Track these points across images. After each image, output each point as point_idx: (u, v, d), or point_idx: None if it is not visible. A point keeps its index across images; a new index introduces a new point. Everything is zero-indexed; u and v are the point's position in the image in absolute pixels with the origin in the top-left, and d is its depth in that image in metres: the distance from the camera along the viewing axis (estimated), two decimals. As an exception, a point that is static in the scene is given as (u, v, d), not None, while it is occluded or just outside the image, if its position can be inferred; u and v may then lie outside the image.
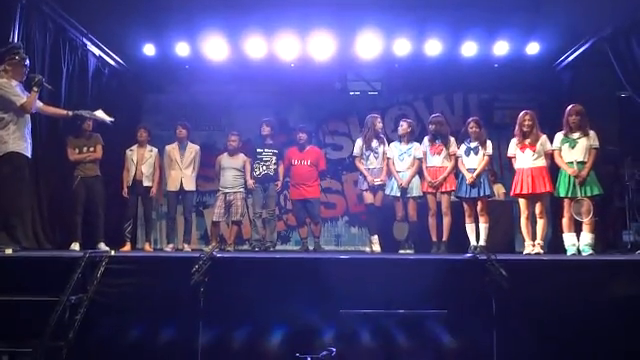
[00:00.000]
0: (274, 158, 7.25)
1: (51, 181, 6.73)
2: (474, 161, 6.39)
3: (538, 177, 5.94)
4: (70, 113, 5.71)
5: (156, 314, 4.05)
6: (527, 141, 6.07)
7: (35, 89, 5.22)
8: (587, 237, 5.72)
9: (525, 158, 6.05)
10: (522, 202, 6.09)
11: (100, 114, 6.03)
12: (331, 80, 9.54)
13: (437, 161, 6.60)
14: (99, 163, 6.75)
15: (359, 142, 6.96)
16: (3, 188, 5.01)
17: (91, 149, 6.66)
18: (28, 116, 5.24)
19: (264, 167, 7.22)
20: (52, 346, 3.67)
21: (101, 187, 6.73)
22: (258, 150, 7.29)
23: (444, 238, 6.51)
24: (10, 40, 5.90)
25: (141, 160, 7.07)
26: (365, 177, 6.76)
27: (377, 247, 6.68)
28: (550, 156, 6.06)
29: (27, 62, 5.33)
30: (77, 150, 6.61)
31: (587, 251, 5.67)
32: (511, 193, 6.26)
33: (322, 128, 9.46)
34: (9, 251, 4.71)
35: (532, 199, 6.04)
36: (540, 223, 6.02)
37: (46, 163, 6.60)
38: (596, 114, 6.28)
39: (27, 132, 5.22)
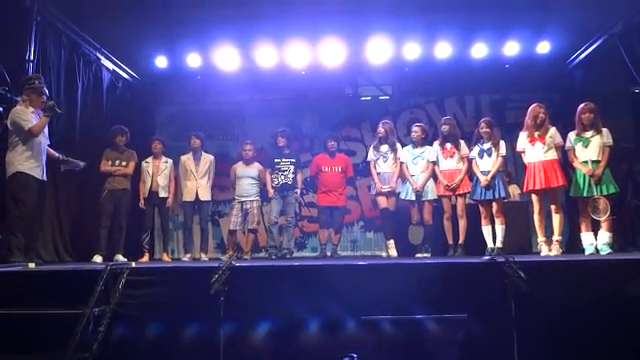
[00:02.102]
0: (292, 167, 7.32)
1: (69, 195, 6.83)
2: (488, 163, 6.37)
3: (550, 171, 5.85)
4: (61, 157, 5.85)
5: (177, 324, 4.09)
6: (537, 134, 5.98)
7: (46, 114, 5.38)
8: (605, 236, 5.68)
9: (535, 152, 5.97)
10: (535, 197, 6.02)
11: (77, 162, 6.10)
12: (342, 86, 9.60)
13: (451, 164, 6.61)
14: (130, 178, 6.88)
15: (372, 147, 7.04)
16: (13, 205, 5.17)
17: (123, 163, 6.81)
18: (41, 140, 5.39)
19: (282, 176, 7.28)
20: (77, 358, 3.72)
21: (128, 200, 6.85)
22: (276, 160, 7.37)
23: (460, 241, 6.51)
24: (26, 56, 6.04)
25: (156, 172, 7.15)
26: (375, 183, 6.87)
27: (393, 252, 6.70)
28: (562, 149, 6.00)
29: (44, 90, 5.47)
30: (110, 162, 6.75)
31: (605, 250, 5.63)
32: (524, 189, 6.20)
33: (328, 135, 9.48)
34: (32, 265, 4.81)
35: (546, 194, 5.98)
36: (556, 218, 5.93)
37: (64, 178, 6.70)
38: (609, 111, 6.24)
39: (37, 154, 5.36)
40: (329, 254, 7.30)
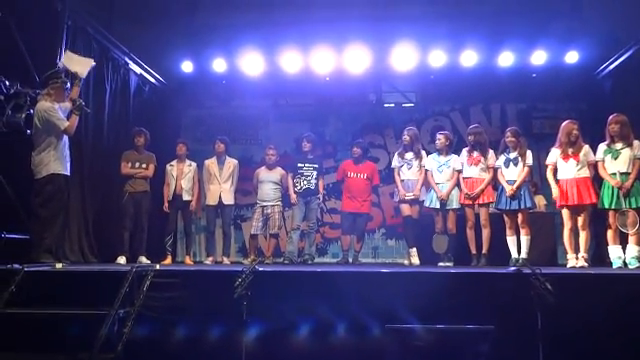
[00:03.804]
0: (315, 173, 7.30)
1: (96, 197, 6.93)
2: (514, 172, 6.29)
3: (583, 188, 5.80)
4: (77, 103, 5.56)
5: (201, 327, 4.12)
6: (570, 151, 5.94)
7: (76, 112, 5.43)
8: (633, 249, 5.56)
9: (569, 168, 5.92)
10: (566, 214, 5.96)
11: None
12: (366, 93, 9.61)
13: (474, 172, 6.54)
14: (149, 180, 6.93)
15: (396, 154, 7.02)
16: (46, 207, 5.20)
17: (143, 165, 6.85)
18: (66, 136, 5.43)
19: (305, 182, 7.26)
20: (102, 358, 3.76)
21: (148, 202, 6.89)
22: (299, 165, 7.34)
23: (484, 250, 6.41)
24: (57, 60, 6.15)
25: (180, 175, 7.19)
26: (398, 190, 6.86)
27: (416, 260, 6.65)
28: (594, 167, 5.94)
29: (68, 86, 5.55)
30: (130, 164, 6.81)
31: (634, 264, 5.52)
32: (555, 205, 6.10)
33: (354, 141, 9.48)
34: (59, 265, 4.87)
35: (576, 211, 5.92)
36: (583, 235, 5.89)
37: (91, 180, 6.82)
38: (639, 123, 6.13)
39: (66, 152, 5.42)
40: (351, 260, 7.28)
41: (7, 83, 5.34)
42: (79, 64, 5.76)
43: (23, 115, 5.37)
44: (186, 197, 7.16)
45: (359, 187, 7.27)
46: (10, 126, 5.32)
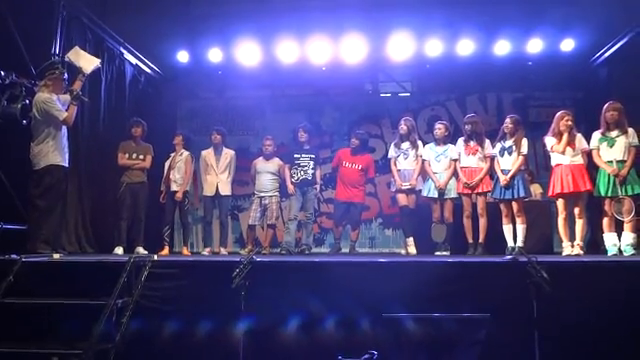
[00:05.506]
0: (311, 163, 7.27)
1: (92, 188, 6.93)
2: (508, 162, 6.30)
3: (578, 175, 5.82)
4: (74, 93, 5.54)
5: (198, 317, 4.13)
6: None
7: (74, 102, 5.40)
8: (629, 237, 5.60)
9: (564, 155, 5.92)
10: (560, 202, 5.98)
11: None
12: (362, 83, 9.59)
13: (472, 161, 6.55)
14: (147, 171, 6.91)
15: (392, 144, 7.02)
16: (44, 198, 5.19)
17: (140, 157, 6.83)
18: (65, 127, 5.41)
19: (302, 172, 7.24)
20: (100, 348, 3.78)
21: (145, 193, 6.87)
22: (295, 155, 7.31)
23: (480, 239, 6.45)
24: (52, 51, 6.12)
25: (173, 165, 7.15)
26: (395, 180, 6.87)
27: (413, 249, 6.67)
28: (588, 155, 5.95)
29: (66, 76, 5.52)
30: (127, 155, 6.79)
31: (629, 251, 5.56)
32: (550, 193, 6.10)
33: (354, 130, 9.48)
34: (57, 256, 4.88)
35: (571, 199, 5.94)
36: (579, 223, 5.92)
37: (87, 171, 6.81)
38: (635, 111, 6.14)
39: (65, 143, 5.40)
40: (346, 251, 7.29)
41: (2, 73, 5.30)
42: (85, 60, 5.75)
43: (19, 105, 5.32)
44: (174, 188, 7.08)
45: (352, 177, 7.25)
46: (5, 117, 5.29)
